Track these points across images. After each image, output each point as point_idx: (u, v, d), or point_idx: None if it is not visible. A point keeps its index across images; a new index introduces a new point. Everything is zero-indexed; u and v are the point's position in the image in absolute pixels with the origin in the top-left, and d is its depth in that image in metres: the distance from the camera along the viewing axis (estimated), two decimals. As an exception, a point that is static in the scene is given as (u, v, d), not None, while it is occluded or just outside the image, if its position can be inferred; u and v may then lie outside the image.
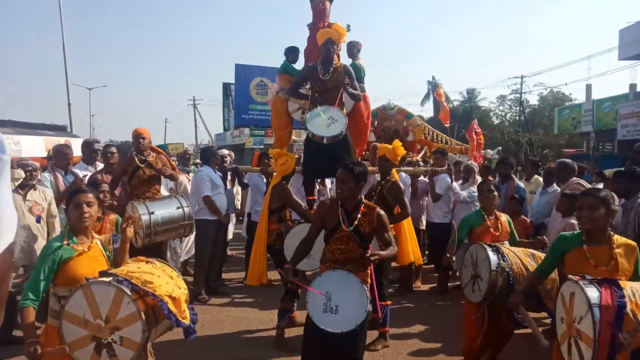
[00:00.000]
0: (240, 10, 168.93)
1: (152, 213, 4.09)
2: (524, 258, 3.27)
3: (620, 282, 2.30)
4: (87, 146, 5.43)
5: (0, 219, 0.50)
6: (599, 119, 21.72)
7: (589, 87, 25.02)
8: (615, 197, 2.59)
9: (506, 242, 3.69)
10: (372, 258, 2.84)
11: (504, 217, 3.83)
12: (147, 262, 2.74)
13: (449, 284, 5.93)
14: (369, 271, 3.03)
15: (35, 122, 11.74)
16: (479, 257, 3.39)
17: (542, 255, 3.19)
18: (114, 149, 5.26)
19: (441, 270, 5.98)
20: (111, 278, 2.45)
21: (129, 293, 2.35)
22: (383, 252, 2.95)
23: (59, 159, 5.01)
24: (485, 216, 3.75)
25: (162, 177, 4.81)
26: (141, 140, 4.69)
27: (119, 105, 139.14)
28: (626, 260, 2.46)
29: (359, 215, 2.97)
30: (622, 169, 3.66)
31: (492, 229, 3.69)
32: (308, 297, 2.85)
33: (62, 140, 10.96)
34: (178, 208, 4.30)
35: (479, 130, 8.74)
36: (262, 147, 23.95)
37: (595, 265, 2.46)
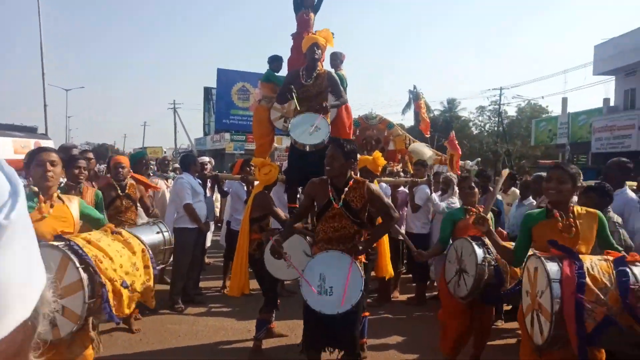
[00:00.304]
0: (223, 14, 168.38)
1: None
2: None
3: (580, 255, 2.40)
4: (64, 151, 5.31)
5: (3, 293, 0.43)
6: (574, 132, 22.36)
7: (564, 100, 25.72)
8: (581, 175, 2.73)
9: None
10: (359, 248, 2.89)
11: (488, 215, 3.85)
12: (112, 233, 2.70)
13: (426, 294, 5.97)
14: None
15: (3, 122, 11.30)
16: (464, 251, 3.44)
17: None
18: (91, 155, 5.15)
19: (419, 281, 6.02)
20: (63, 243, 2.39)
21: (75, 260, 2.28)
22: (377, 231, 3.18)
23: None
24: (464, 212, 3.79)
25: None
26: (120, 169, 4.62)
27: (96, 107, 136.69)
28: (587, 228, 2.60)
29: (347, 190, 2.99)
30: (593, 183, 3.76)
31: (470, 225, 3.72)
32: (301, 281, 2.87)
33: (31, 142, 10.64)
34: (158, 233, 4.24)
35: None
36: (242, 152, 23.84)
37: (561, 230, 2.57)
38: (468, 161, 9.36)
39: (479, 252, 3.32)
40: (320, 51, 4.60)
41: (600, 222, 2.65)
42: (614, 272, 2.29)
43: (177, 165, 10.05)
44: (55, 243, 2.38)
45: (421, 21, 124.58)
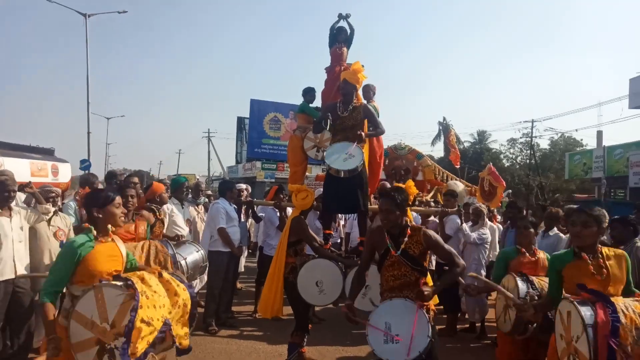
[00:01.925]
0: (256, 48, 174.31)
1: (185, 258, 4.17)
2: None
3: (611, 298, 2.42)
4: (112, 177, 5.66)
5: None
6: (610, 166, 21.76)
7: (599, 134, 25.23)
8: (607, 216, 2.75)
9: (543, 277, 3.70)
10: (425, 293, 2.84)
11: (542, 254, 3.83)
12: (157, 274, 2.80)
13: (457, 326, 5.91)
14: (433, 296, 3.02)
15: (20, 143, 10.90)
16: (509, 286, 3.47)
17: None
18: (136, 179, 5.46)
19: (450, 312, 5.98)
20: (123, 282, 2.52)
21: (136, 302, 2.41)
22: (442, 282, 3.09)
23: (85, 187, 5.23)
24: (516, 250, 3.81)
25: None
26: (159, 199, 4.92)
27: (134, 135, 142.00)
28: (617, 269, 2.62)
29: (406, 239, 3.01)
30: (618, 217, 3.81)
31: (522, 264, 3.71)
32: (368, 331, 2.86)
33: (48, 164, 10.59)
34: (197, 251, 4.46)
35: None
36: (272, 180, 24.27)
37: (593, 273, 2.59)
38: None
39: (522, 287, 3.35)
40: (355, 87, 4.82)
41: (627, 262, 2.68)
42: None
43: (209, 192, 10.39)
44: (118, 283, 2.54)
45: (450, 52, 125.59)
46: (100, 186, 5.82)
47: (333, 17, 6.27)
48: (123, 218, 2.95)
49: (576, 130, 43.44)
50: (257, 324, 5.76)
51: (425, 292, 2.86)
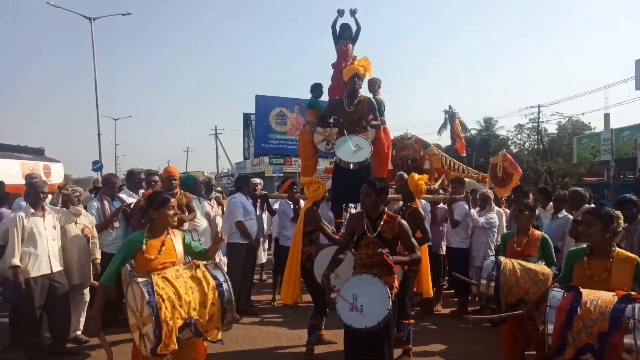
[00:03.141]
0: (261, 43, 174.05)
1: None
2: (520, 274, 3.58)
3: (582, 290, 2.66)
4: (132, 176, 5.90)
5: None
6: (618, 148, 21.67)
7: (607, 116, 25.03)
8: (618, 216, 2.88)
9: (533, 258, 3.92)
10: (383, 252, 3.21)
11: (537, 234, 4.05)
12: (195, 268, 3.03)
13: (468, 309, 6.12)
14: (395, 276, 3.43)
15: (10, 143, 10.47)
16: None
17: (542, 271, 3.60)
18: (157, 177, 5.72)
19: (461, 295, 6.20)
20: (146, 279, 2.83)
21: (147, 297, 2.70)
22: (403, 257, 3.42)
23: (107, 187, 5.47)
24: (515, 233, 4.09)
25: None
26: (173, 181, 5.16)
27: (142, 135, 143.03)
28: (621, 272, 2.76)
29: (382, 223, 3.41)
30: (623, 196, 3.96)
31: (515, 244, 4.01)
32: (337, 300, 3.30)
33: (40, 165, 10.08)
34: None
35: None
36: (281, 175, 24.48)
37: (591, 275, 2.79)
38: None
39: (486, 264, 3.76)
40: (360, 81, 5.03)
41: (638, 267, 2.78)
42: (612, 306, 2.52)
43: (219, 188, 10.60)
44: (142, 279, 2.85)
45: (455, 39, 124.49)
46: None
47: (337, 10, 6.43)
48: (176, 219, 3.26)
49: (583, 114, 43.18)
50: (277, 311, 6.04)
51: (386, 255, 3.17)
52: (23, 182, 4.79)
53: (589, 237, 2.87)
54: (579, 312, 2.55)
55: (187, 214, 5.38)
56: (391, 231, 3.42)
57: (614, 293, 2.64)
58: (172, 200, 3.23)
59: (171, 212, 3.16)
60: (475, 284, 3.81)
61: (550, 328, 2.61)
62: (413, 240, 3.50)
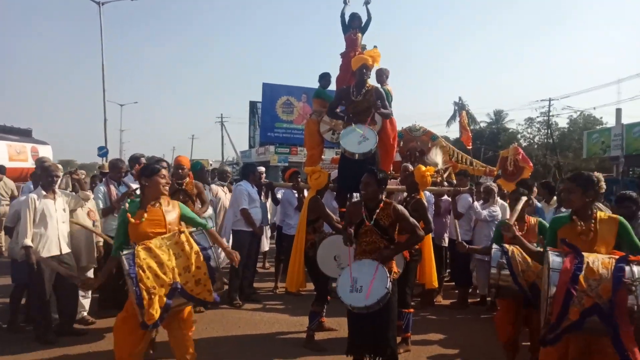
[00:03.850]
0: (269, 31, 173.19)
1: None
2: (529, 259, 3.62)
3: (584, 253, 2.69)
4: (135, 161, 5.96)
5: None
6: (629, 144, 21.44)
7: (618, 111, 24.76)
8: (598, 179, 2.97)
9: (532, 244, 3.90)
10: (384, 254, 3.39)
11: (533, 221, 4.13)
12: (179, 233, 3.10)
13: (469, 300, 6.18)
14: (393, 261, 3.54)
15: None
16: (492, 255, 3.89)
17: None
18: (165, 164, 5.78)
19: (461, 286, 6.24)
20: (130, 251, 2.95)
21: (127, 268, 2.85)
22: (397, 247, 3.54)
23: (113, 172, 5.53)
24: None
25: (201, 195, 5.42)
26: (181, 170, 5.20)
27: (147, 121, 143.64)
28: (607, 232, 2.86)
29: (378, 211, 3.49)
30: (623, 193, 3.95)
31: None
32: (337, 283, 3.42)
33: (28, 147, 9.68)
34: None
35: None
36: (286, 164, 24.44)
37: (579, 233, 2.87)
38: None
39: (495, 254, 3.78)
40: (369, 71, 5.03)
41: (622, 226, 2.88)
42: (612, 266, 2.59)
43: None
44: (125, 252, 2.95)
45: (467, 31, 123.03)
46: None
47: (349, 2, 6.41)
48: (167, 188, 3.31)
49: (594, 108, 42.50)
50: (279, 299, 6.14)
51: (384, 254, 3.41)
52: (10, 165, 4.79)
53: (571, 204, 2.95)
54: (583, 271, 2.59)
55: (198, 205, 5.40)
56: (387, 218, 3.49)
57: (610, 255, 2.72)
58: (163, 170, 3.29)
59: (162, 181, 3.22)
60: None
61: (553, 290, 2.62)
62: (412, 220, 3.57)
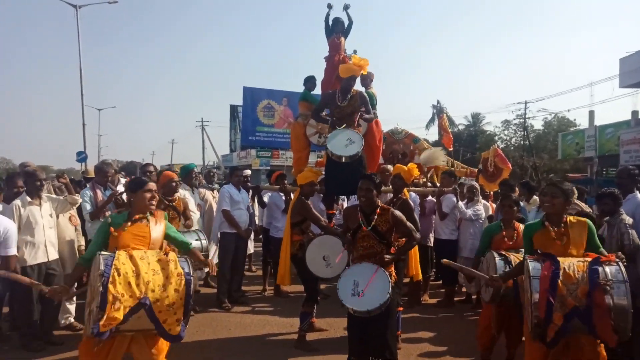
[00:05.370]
0: (248, 34, 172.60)
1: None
2: None
3: (564, 258, 2.84)
4: (106, 168, 5.81)
5: None
6: (602, 145, 22.15)
7: (591, 114, 25.55)
8: (575, 192, 3.16)
9: (522, 250, 4.07)
10: (385, 259, 3.43)
11: (521, 228, 4.16)
12: (165, 254, 2.93)
13: (455, 298, 6.31)
14: (392, 264, 3.57)
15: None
16: (490, 263, 3.94)
17: None
18: (152, 168, 5.74)
19: (447, 285, 6.37)
20: (110, 253, 2.81)
21: (102, 267, 2.66)
22: (398, 251, 3.61)
23: (99, 176, 5.45)
24: (503, 227, 4.22)
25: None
26: (173, 184, 5.11)
27: (126, 126, 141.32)
28: (578, 235, 3.02)
29: (376, 217, 3.50)
30: (605, 190, 4.12)
31: (506, 239, 4.15)
32: (338, 287, 3.40)
33: None
34: (197, 240, 4.73)
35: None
36: (268, 168, 24.33)
37: (554, 238, 3.01)
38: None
39: (499, 265, 3.82)
40: (354, 81, 5.14)
41: (590, 229, 3.05)
42: (587, 270, 2.73)
43: (204, 181, 10.56)
44: (104, 254, 2.82)
45: (444, 35, 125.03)
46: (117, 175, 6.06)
47: (327, 5, 6.49)
48: (154, 203, 3.17)
49: (568, 110, 43.66)
50: (267, 301, 6.15)
51: (386, 259, 3.45)
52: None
53: (553, 208, 3.06)
54: (561, 277, 2.72)
55: (182, 220, 5.28)
56: (385, 224, 3.51)
57: (582, 258, 2.86)
58: (150, 184, 3.19)
59: (148, 195, 3.11)
60: (468, 270, 3.87)
61: (536, 297, 2.74)
62: (409, 224, 3.62)
